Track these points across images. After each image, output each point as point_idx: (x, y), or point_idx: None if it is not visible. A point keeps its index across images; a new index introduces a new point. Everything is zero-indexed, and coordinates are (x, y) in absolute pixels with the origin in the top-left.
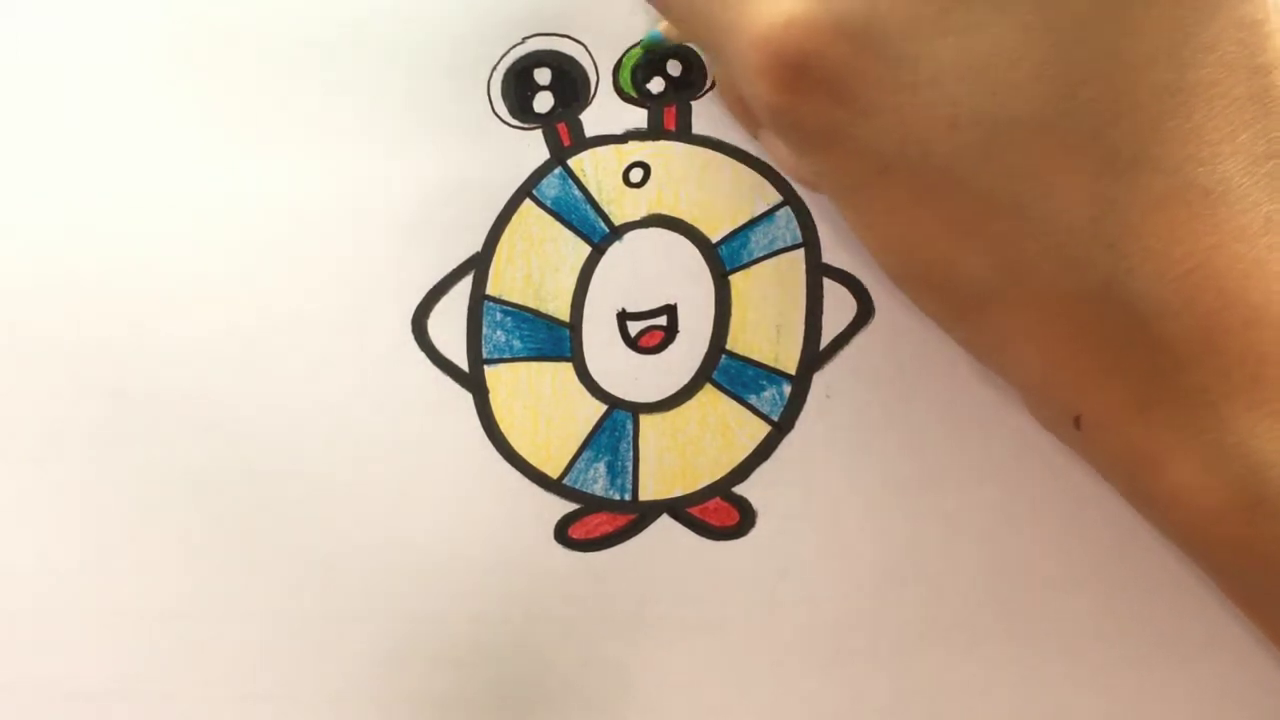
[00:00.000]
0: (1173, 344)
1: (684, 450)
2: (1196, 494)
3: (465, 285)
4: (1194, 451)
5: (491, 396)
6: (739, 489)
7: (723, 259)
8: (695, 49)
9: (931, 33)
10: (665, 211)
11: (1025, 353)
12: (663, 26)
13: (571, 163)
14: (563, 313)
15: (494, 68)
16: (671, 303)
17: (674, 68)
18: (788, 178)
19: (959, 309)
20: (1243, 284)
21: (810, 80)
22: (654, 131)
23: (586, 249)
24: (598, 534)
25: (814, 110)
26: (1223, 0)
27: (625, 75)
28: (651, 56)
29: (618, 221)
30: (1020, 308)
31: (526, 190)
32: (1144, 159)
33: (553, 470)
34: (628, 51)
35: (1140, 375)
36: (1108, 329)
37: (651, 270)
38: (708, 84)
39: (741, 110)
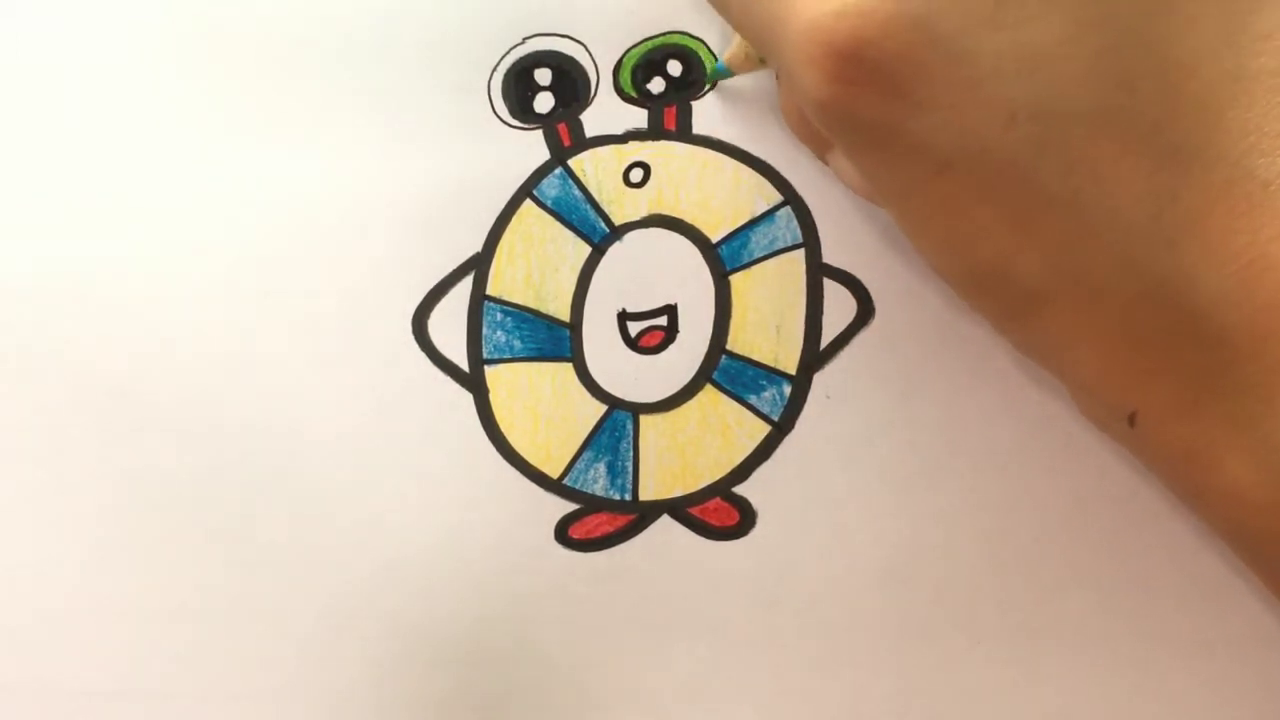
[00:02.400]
0: (1229, 338)
1: (684, 450)
2: (1249, 490)
3: (465, 285)
4: (1248, 447)
5: (491, 396)
6: (739, 489)
7: (723, 259)
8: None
9: (987, 26)
10: (665, 211)
11: (1080, 352)
12: (727, 56)
13: (572, 163)
14: (563, 313)
15: (494, 68)
16: (671, 303)
17: (674, 68)
18: (858, 195)
19: (1014, 309)
20: None
21: (863, 72)
22: (654, 131)
23: (587, 249)
24: (598, 534)
25: (867, 104)
26: None
27: (625, 75)
28: (653, 57)
29: (618, 221)
30: (1076, 306)
31: (527, 190)
32: (1204, 151)
33: (553, 470)
34: (628, 51)
35: (1196, 371)
36: (1164, 325)
37: (651, 270)
38: (707, 85)
39: (806, 130)
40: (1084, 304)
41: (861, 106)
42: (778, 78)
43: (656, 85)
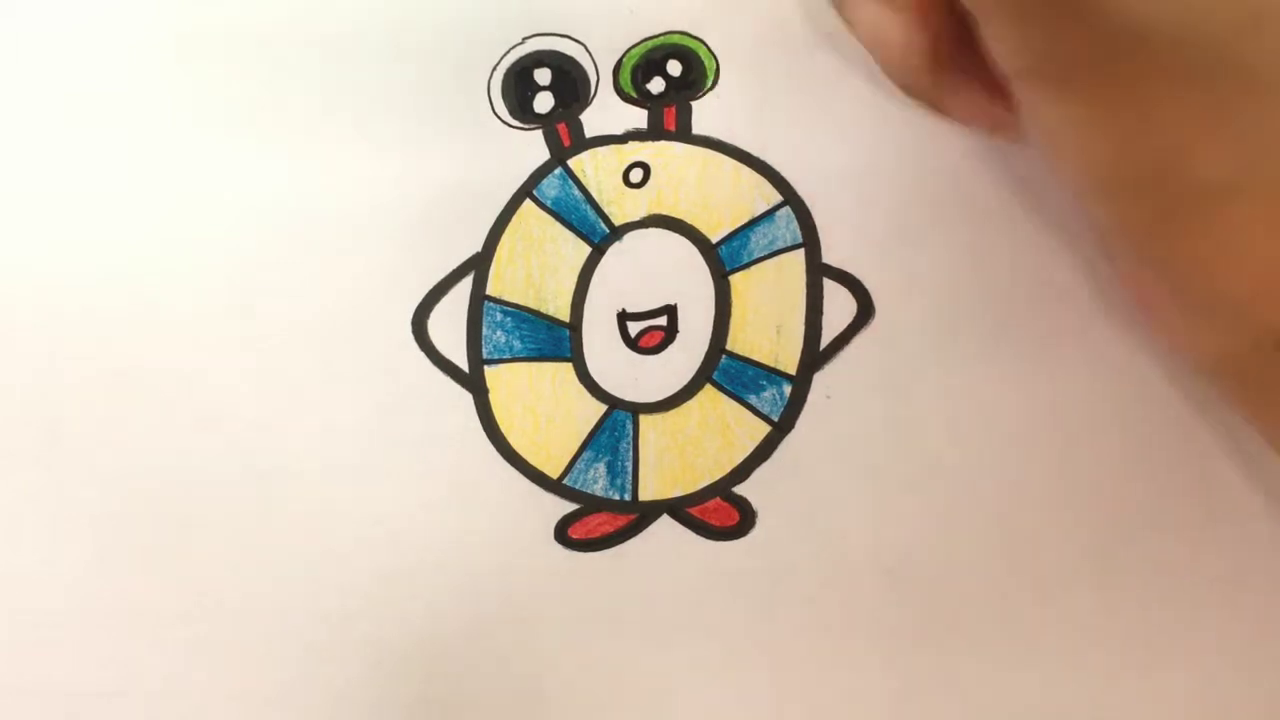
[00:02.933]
0: None
1: (684, 450)
2: None
3: (465, 285)
4: None
5: (491, 396)
6: (739, 489)
7: (723, 259)
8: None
9: None
10: (665, 211)
11: (1246, 260)
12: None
13: (571, 163)
14: (563, 313)
15: (494, 68)
16: (671, 303)
17: (674, 68)
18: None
19: (1176, 210)
20: None
21: None
22: (654, 131)
23: (586, 249)
24: (598, 534)
25: None
26: None
27: (625, 75)
28: (653, 57)
29: (618, 222)
30: (1254, 200)
31: (527, 190)
32: None
33: (553, 470)
34: (628, 51)
35: None
36: None
37: (651, 270)
38: (709, 84)
39: (926, 35)
40: (1264, 196)
41: None
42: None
43: (656, 85)
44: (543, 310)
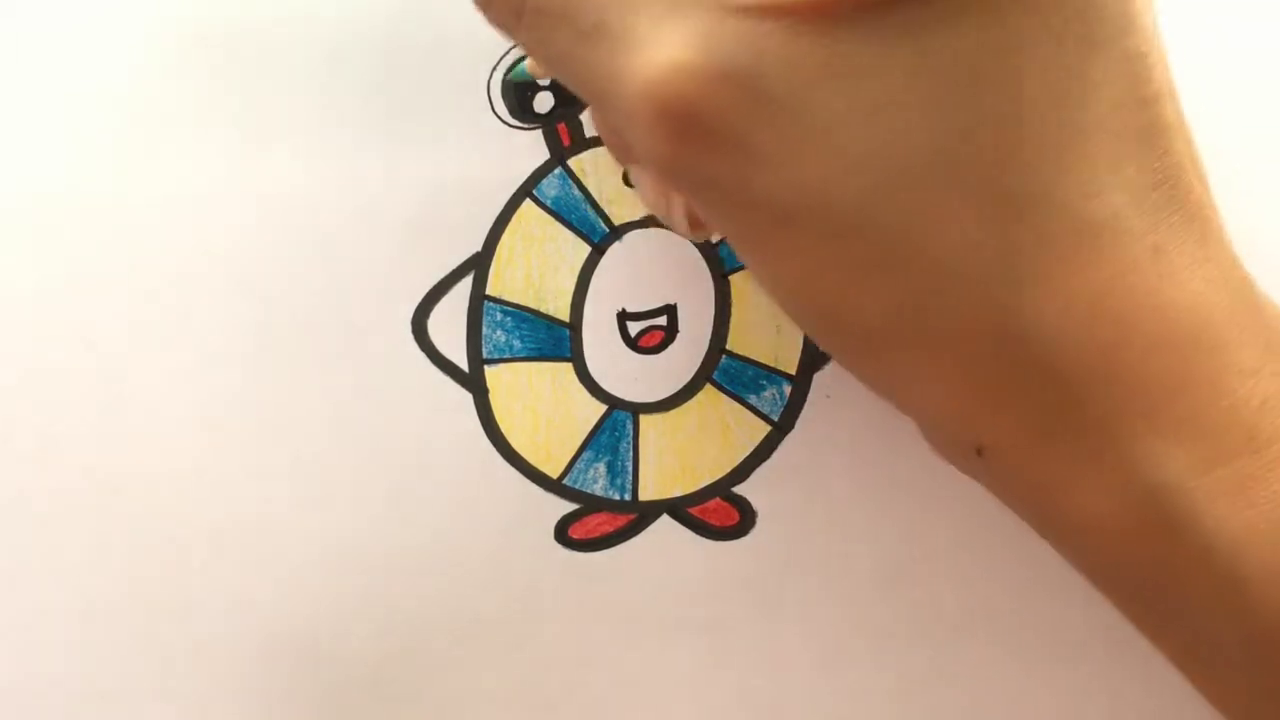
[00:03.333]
0: (1073, 376)
1: (684, 450)
2: (1101, 520)
3: (465, 285)
4: (1096, 478)
5: (491, 396)
6: (739, 489)
7: (723, 259)
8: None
9: (819, 80)
10: None
11: (925, 389)
12: (528, 63)
13: (572, 163)
14: (563, 313)
15: (494, 68)
16: (671, 303)
17: None
18: (664, 221)
19: (857, 349)
20: (1138, 314)
21: (700, 132)
22: None
23: (586, 249)
24: (598, 534)
25: (707, 161)
26: (1106, 37)
27: None
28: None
29: (618, 221)
30: (921, 347)
31: (526, 190)
32: (1041, 198)
33: (553, 470)
34: None
35: (1041, 407)
36: (1007, 364)
37: (651, 270)
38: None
39: (616, 144)
40: (927, 344)
41: (700, 164)
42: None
43: None
44: (543, 310)
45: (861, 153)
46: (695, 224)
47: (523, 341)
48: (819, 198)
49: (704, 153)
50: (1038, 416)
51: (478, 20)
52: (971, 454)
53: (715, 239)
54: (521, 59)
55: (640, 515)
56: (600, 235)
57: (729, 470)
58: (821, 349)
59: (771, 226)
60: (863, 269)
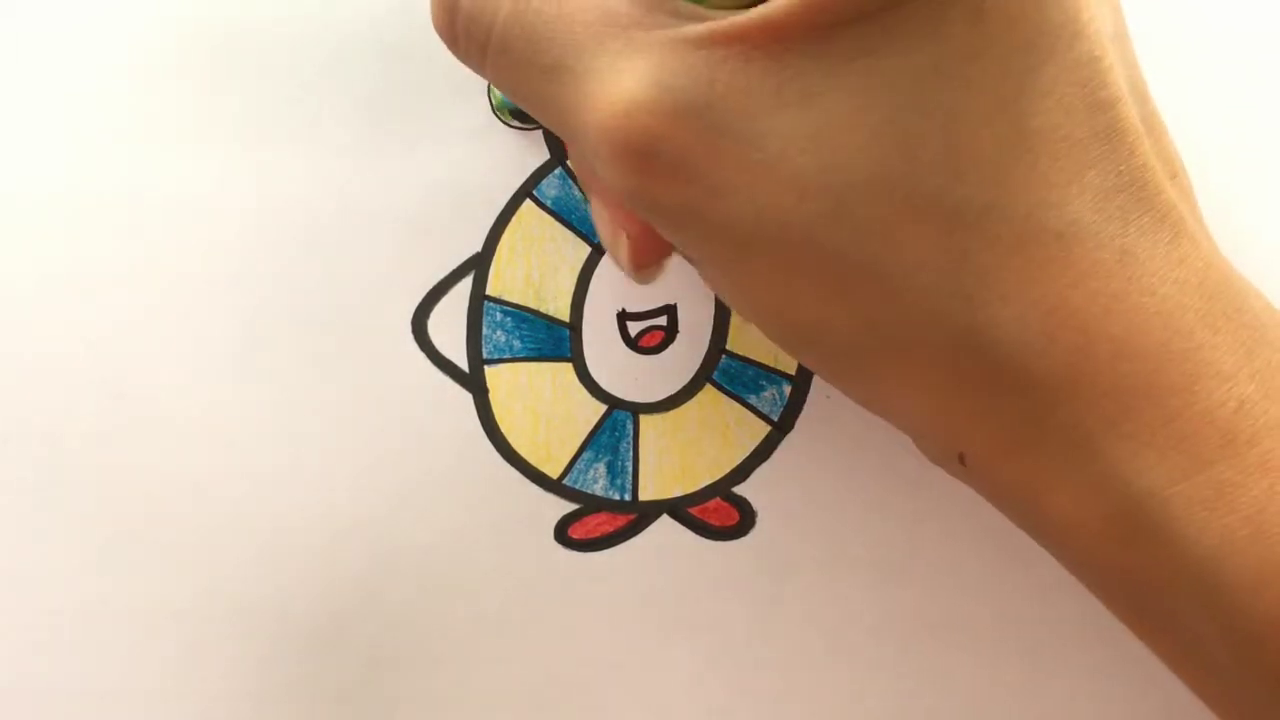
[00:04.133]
0: (1041, 383)
1: (684, 450)
2: (1077, 525)
3: (465, 285)
4: (1072, 485)
5: (491, 396)
6: (739, 489)
7: None
8: None
9: (771, 107)
10: None
11: (903, 402)
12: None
13: (572, 163)
14: (563, 313)
15: None
16: (671, 303)
17: None
18: (611, 255)
19: (833, 366)
20: (1103, 319)
21: (659, 164)
22: None
23: (587, 249)
24: (598, 534)
25: (666, 192)
26: (1056, 43)
27: None
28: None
29: None
30: (892, 361)
31: (527, 190)
32: (992, 209)
33: (553, 470)
34: None
35: (1014, 415)
36: (977, 375)
37: None
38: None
39: (585, 174)
40: (897, 359)
41: (661, 195)
42: None
43: None
44: (543, 310)
45: (812, 178)
46: (639, 264)
47: (523, 341)
48: (774, 226)
49: (664, 184)
50: (1010, 426)
51: None
52: (956, 462)
53: (653, 279)
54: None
55: (640, 515)
56: None
57: (729, 470)
58: (806, 367)
59: (734, 252)
60: (826, 290)
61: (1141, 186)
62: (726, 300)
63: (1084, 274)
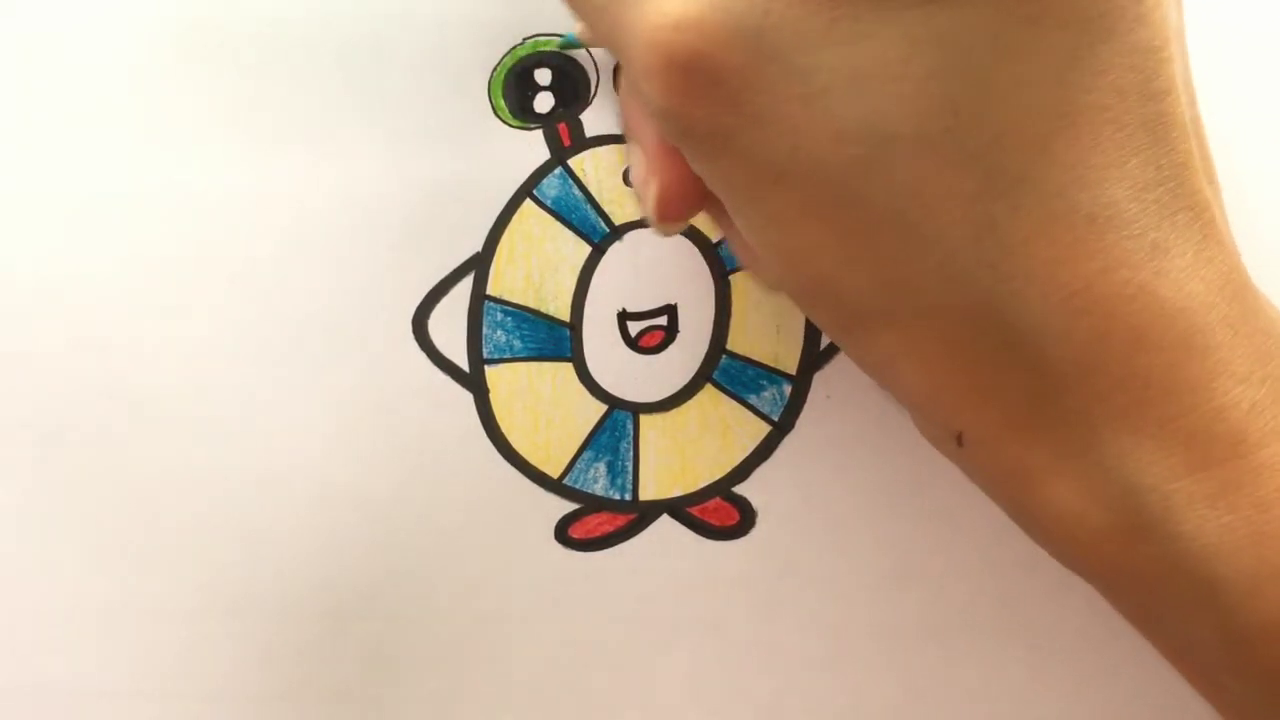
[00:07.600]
0: (1054, 366)
1: (684, 450)
2: (1076, 516)
3: (465, 285)
4: (1073, 474)
5: (491, 396)
6: (739, 489)
7: (723, 259)
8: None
9: (821, 42)
10: None
11: (909, 369)
12: (578, 29)
13: (572, 163)
14: (563, 313)
15: (494, 68)
16: (672, 303)
17: None
18: (639, 202)
19: (845, 323)
20: (1128, 308)
21: (700, 83)
22: None
23: (587, 249)
24: (598, 534)
25: (705, 115)
26: (1118, 24)
27: None
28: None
29: (618, 221)
30: (903, 324)
31: (527, 190)
32: (1026, 181)
33: (553, 470)
34: None
35: (1021, 395)
36: (988, 349)
37: (652, 270)
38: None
39: (630, 109)
40: (909, 322)
41: (699, 117)
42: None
43: None
44: (543, 310)
45: (853, 121)
46: (664, 215)
47: (523, 341)
48: (809, 163)
49: (703, 105)
50: (1015, 405)
51: (479, 20)
52: (952, 441)
53: (673, 233)
54: (547, 42)
55: (640, 515)
56: (601, 235)
57: (729, 470)
58: (814, 323)
59: (764, 186)
60: (849, 241)
61: (1181, 183)
62: (749, 239)
63: (1114, 261)
